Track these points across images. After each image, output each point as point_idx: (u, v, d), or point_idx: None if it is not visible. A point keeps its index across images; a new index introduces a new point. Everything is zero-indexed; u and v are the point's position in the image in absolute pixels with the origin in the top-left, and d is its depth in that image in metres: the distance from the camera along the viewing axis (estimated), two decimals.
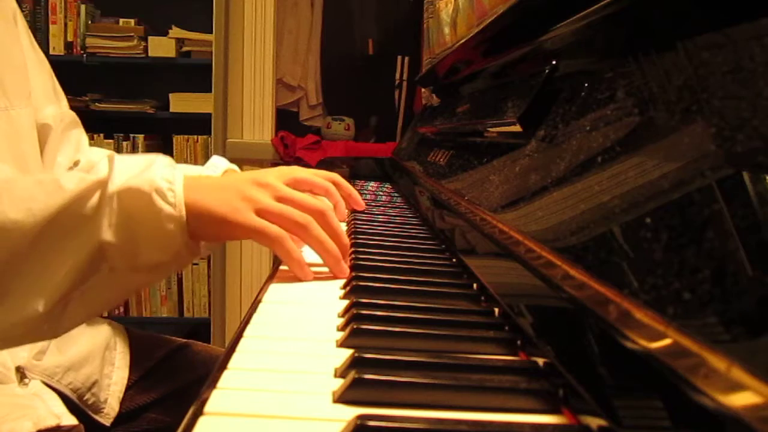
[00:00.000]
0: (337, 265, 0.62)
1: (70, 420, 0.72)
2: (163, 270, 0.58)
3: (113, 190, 0.55)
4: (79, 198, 0.55)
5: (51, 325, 0.56)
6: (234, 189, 0.60)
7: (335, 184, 0.95)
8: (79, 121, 0.94)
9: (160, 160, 0.59)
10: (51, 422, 0.69)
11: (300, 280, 0.61)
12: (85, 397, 0.78)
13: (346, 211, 0.95)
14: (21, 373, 0.72)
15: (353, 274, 0.61)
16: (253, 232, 0.58)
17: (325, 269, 0.63)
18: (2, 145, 0.73)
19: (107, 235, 0.54)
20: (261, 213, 0.59)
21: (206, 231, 0.59)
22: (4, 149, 0.73)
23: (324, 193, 0.93)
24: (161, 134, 2.57)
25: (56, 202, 0.54)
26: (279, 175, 0.89)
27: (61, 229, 0.54)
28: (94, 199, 0.55)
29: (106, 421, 0.80)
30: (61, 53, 2.42)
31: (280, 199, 0.61)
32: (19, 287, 0.54)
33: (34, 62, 0.84)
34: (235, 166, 0.95)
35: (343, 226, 0.90)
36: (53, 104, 0.87)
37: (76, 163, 0.90)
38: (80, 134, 0.93)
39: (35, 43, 0.87)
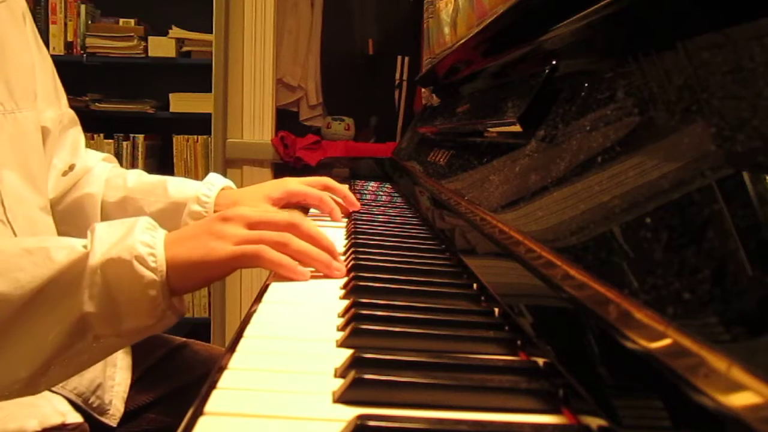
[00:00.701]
0: (328, 268, 0.62)
1: (75, 418, 0.72)
2: (147, 333, 0.59)
3: (95, 263, 0.55)
4: (67, 271, 0.55)
5: (31, 387, 0.57)
6: (206, 232, 0.60)
7: (328, 188, 0.96)
8: (77, 120, 0.93)
9: (140, 223, 0.59)
10: (56, 420, 0.69)
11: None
12: (90, 400, 0.78)
13: (341, 214, 0.96)
14: None
15: (353, 274, 0.61)
16: (233, 261, 0.58)
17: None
18: (8, 148, 0.73)
19: (89, 306, 0.54)
20: (239, 245, 0.59)
21: (190, 281, 0.59)
22: (9, 153, 0.73)
23: (318, 203, 0.94)
24: (161, 134, 2.57)
25: (44, 274, 0.54)
26: (271, 189, 0.90)
27: (46, 301, 0.54)
28: (79, 271, 0.55)
29: (112, 422, 0.80)
30: (61, 53, 2.41)
31: (252, 226, 0.61)
32: (2, 355, 0.54)
33: (38, 61, 0.84)
34: (231, 183, 0.95)
35: (342, 227, 0.90)
36: (53, 106, 0.87)
37: (71, 167, 0.89)
38: (77, 134, 0.92)
39: (40, 41, 0.87)
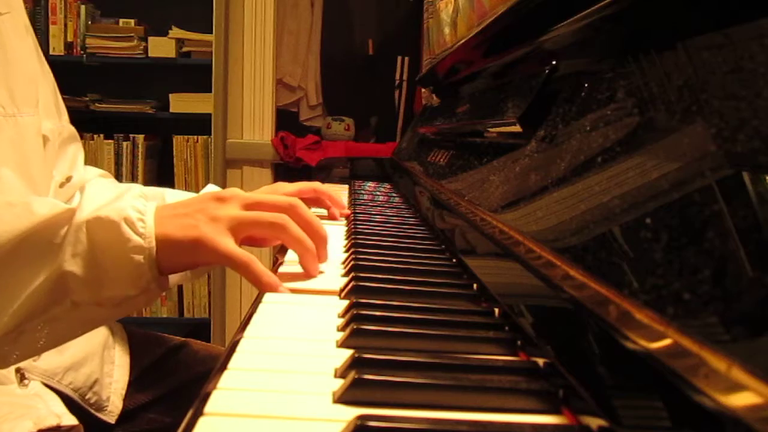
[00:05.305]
0: (314, 263, 0.61)
1: (70, 420, 0.72)
2: (129, 305, 0.56)
3: (81, 219, 0.53)
4: (48, 225, 0.53)
5: None
6: (200, 212, 0.58)
7: (318, 194, 0.96)
8: (77, 137, 0.92)
9: (132, 190, 0.57)
10: (51, 422, 0.69)
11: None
12: (87, 396, 0.78)
13: (343, 211, 0.96)
14: (20, 374, 0.71)
15: (354, 274, 0.61)
16: (222, 258, 0.56)
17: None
18: (8, 151, 0.72)
19: (71, 265, 0.52)
20: (235, 228, 0.57)
21: (177, 262, 0.57)
22: (10, 156, 0.73)
23: (314, 204, 0.94)
24: (161, 134, 2.57)
25: (24, 226, 0.52)
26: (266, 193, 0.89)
27: (24, 255, 0.52)
28: (63, 227, 0.53)
29: (111, 419, 0.80)
30: (61, 53, 2.41)
31: (249, 206, 0.60)
32: None
33: (40, 75, 0.84)
34: None
35: (342, 227, 0.90)
36: (53, 118, 0.85)
37: (68, 179, 0.88)
38: (77, 150, 0.91)
39: (42, 56, 0.87)
